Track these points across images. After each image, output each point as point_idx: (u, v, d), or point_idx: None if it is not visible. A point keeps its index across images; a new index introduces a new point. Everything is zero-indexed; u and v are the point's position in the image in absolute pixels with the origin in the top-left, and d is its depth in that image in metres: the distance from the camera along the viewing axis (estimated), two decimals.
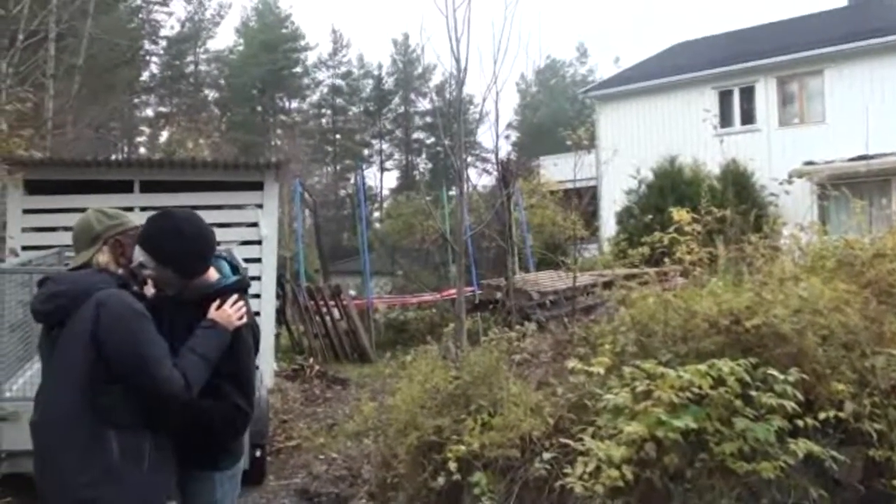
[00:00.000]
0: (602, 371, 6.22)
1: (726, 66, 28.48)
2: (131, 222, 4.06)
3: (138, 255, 3.90)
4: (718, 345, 5.77)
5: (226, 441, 4.12)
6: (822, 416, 5.08)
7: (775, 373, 5.11)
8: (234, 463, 4.24)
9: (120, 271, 3.93)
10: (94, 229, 3.97)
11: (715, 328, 5.94)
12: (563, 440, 5.95)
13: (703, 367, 5.13)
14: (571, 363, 6.55)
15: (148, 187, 11.46)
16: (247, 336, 4.05)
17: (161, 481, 3.79)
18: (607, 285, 10.28)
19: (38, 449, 3.81)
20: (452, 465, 6.21)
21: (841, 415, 5.11)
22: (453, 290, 19.47)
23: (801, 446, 4.85)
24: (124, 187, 11.42)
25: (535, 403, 6.50)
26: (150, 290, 4.05)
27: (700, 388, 5.03)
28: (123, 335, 3.63)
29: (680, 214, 8.29)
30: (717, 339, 5.81)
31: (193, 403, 3.75)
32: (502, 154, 16.23)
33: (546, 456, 5.93)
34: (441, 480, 6.34)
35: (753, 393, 5.03)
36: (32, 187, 11.07)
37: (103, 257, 3.94)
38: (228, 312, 3.93)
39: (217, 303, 3.94)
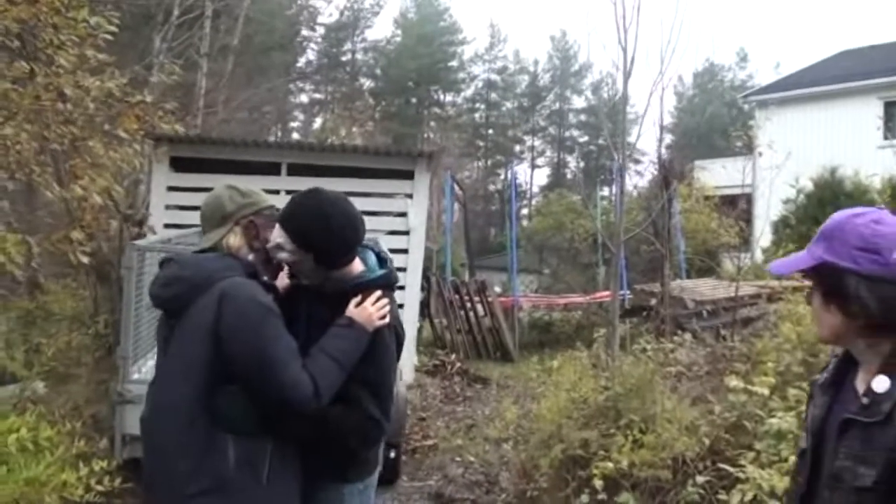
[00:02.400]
0: (765, 391, 5.84)
1: (894, 76, 27.24)
2: (266, 201, 3.64)
3: (277, 235, 3.47)
4: None
5: (357, 452, 3.68)
6: None
7: None
8: (367, 475, 3.80)
9: (251, 257, 3.52)
10: (225, 208, 3.55)
11: None
12: (718, 464, 5.59)
13: None
14: (732, 381, 6.17)
15: (296, 171, 11.36)
16: (389, 338, 3.58)
17: (281, 496, 3.39)
18: (771, 297, 9.81)
19: (147, 448, 3.50)
20: (598, 483, 5.85)
21: None
22: (603, 293, 19.09)
23: None
24: (272, 169, 11.36)
25: (690, 421, 6.12)
26: (283, 279, 3.69)
27: None
28: (247, 333, 3.21)
29: None
30: None
31: (322, 412, 3.33)
32: (662, 155, 15.71)
33: (699, 479, 5.59)
34: (585, 499, 6.01)
35: None
36: (178, 164, 11.08)
37: (235, 240, 3.52)
38: (370, 311, 3.47)
39: (358, 299, 3.49)
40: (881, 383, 2.16)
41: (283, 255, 3.49)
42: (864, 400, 2.19)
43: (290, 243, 3.45)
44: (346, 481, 3.70)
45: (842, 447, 2.21)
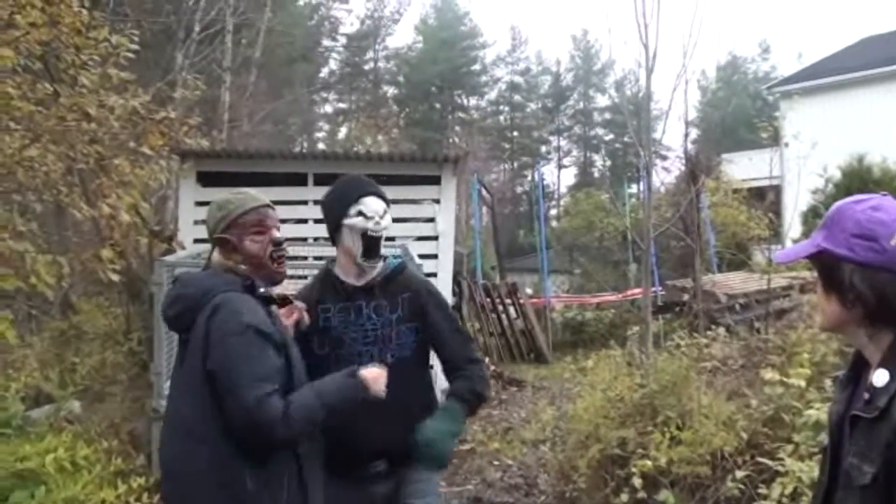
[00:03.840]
0: (802, 383, 5.78)
1: None
2: (242, 207, 3.40)
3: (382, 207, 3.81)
4: None
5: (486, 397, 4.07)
6: None
7: None
8: None
9: (242, 267, 3.37)
10: (208, 225, 3.47)
11: None
12: (757, 457, 5.55)
13: None
14: (768, 373, 6.12)
15: (323, 180, 11.30)
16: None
17: None
18: (804, 288, 9.73)
19: (162, 470, 3.44)
20: (637, 482, 5.82)
21: None
22: (636, 290, 18.99)
23: None
24: (299, 180, 11.39)
25: (727, 416, 6.07)
26: (282, 284, 3.59)
27: None
28: (221, 348, 3.12)
29: None
30: None
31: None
32: (688, 149, 15.66)
33: (739, 474, 5.55)
34: (625, 497, 5.96)
35: None
36: (205, 179, 11.12)
37: (216, 257, 3.43)
38: (378, 377, 3.36)
39: (374, 370, 3.39)
40: (880, 377, 2.10)
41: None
42: (866, 395, 2.13)
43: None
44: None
45: (852, 445, 2.15)
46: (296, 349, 3.40)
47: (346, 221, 3.79)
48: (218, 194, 10.15)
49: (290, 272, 9.45)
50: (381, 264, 3.92)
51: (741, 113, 60.37)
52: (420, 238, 11.33)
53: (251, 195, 3.47)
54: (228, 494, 3.12)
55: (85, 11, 7.73)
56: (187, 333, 3.26)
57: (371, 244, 3.78)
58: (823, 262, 2.23)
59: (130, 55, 8.27)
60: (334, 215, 3.84)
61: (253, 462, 3.15)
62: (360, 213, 3.77)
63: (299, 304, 3.69)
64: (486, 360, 15.22)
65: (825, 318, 2.31)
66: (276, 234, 3.42)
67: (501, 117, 74.04)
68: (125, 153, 8.40)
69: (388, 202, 3.94)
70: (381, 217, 3.81)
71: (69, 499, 5.95)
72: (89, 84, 7.71)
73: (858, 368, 2.29)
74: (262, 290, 3.35)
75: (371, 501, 3.86)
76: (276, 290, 3.54)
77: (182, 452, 3.23)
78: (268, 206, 3.46)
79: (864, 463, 2.07)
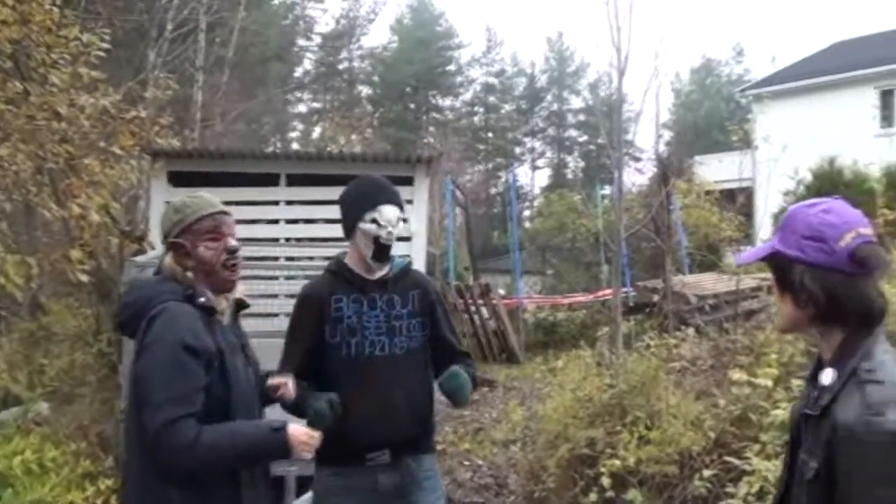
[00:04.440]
0: (769, 383, 5.84)
1: (889, 65, 27.30)
2: (198, 212, 3.30)
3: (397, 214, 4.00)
4: None
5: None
6: None
7: None
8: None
9: (189, 275, 3.25)
10: (163, 227, 3.36)
11: (891, 340, 5.46)
12: (725, 457, 5.59)
13: None
14: (735, 374, 6.17)
15: (295, 181, 11.33)
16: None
17: None
18: (772, 289, 9.78)
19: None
20: (606, 481, 5.86)
21: None
22: (606, 291, 19.07)
23: None
24: (271, 180, 11.35)
25: (695, 416, 6.12)
26: (239, 288, 3.50)
27: None
28: (146, 358, 3.03)
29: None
30: None
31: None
32: (660, 151, 15.73)
33: (706, 473, 5.59)
34: (593, 497, 6.01)
35: None
36: (177, 179, 11.03)
37: (168, 261, 3.31)
38: (305, 440, 3.20)
39: (303, 432, 3.23)
40: (826, 376, 2.17)
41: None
42: (815, 393, 2.20)
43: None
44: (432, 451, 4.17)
45: (803, 441, 2.23)
46: (240, 357, 3.32)
47: (361, 226, 3.94)
48: (189, 194, 10.11)
49: (261, 273, 9.39)
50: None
51: (715, 115, 60.80)
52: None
53: (207, 200, 3.38)
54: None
55: (56, 9, 7.73)
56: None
57: (382, 249, 3.96)
58: (777, 264, 2.30)
59: (102, 54, 8.26)
60: (350, 217, 3.99)
61: (180, 486, 3.07)
62: (375, 221, 3.92)
63: (282, 378, 3.59)
64: None
65: (782, 319, 2.38)
66: (232, 242, 3.33)
67: (476, 118, 74.04)
68: (95, 153, 8.38)
69: (402, 207, 4.12)
70: (394, 225, 3.98)
71: (37, 501, 5.92)
72: (60, 83, 7.70)
73: (819, 367, 2.34)
74: (202, 299, 3.23)
75: (375, 490, 3.89)
76: (236, 295, 3.46)
77: (129, 460, 3.20)
78: (224, 212, 3.38)
79: (810, 459, 2.14)
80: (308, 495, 4.88)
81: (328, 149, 24.35)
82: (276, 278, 9.44)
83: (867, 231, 2.18)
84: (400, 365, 3.88)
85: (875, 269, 2.16)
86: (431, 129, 65.68)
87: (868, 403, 2.01)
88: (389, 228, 3.94)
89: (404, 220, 4.15)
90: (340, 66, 65.05)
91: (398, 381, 3.85)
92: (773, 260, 2.30)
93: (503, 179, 63.93)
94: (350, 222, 3.99)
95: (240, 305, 3.50)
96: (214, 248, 3.28)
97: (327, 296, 3.95)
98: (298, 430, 3.19)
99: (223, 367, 3.17)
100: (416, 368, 4.01)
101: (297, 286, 9.72)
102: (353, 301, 3.94)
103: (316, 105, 61.18)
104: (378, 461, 3.88)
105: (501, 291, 22.07)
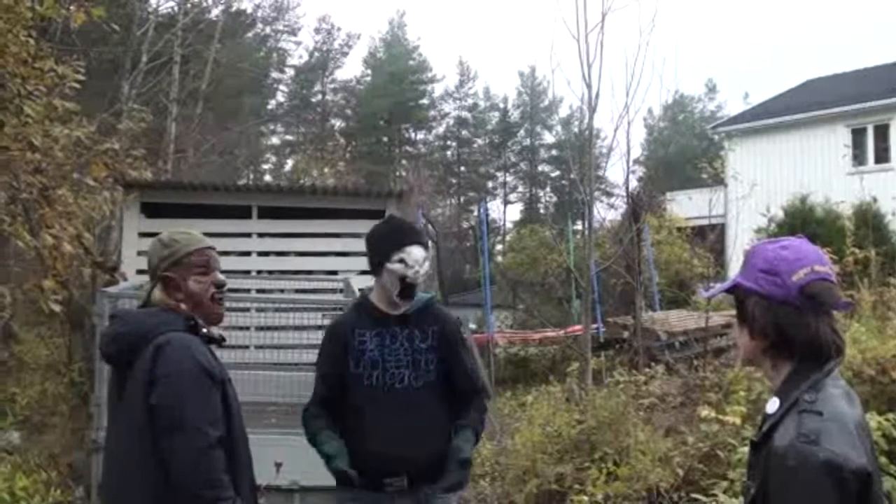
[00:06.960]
0: (737, 420, 5.91)
1: (860, 104, 27.56)
2: (188, 247, 3.40)
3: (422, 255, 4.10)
4: (863, 396, 5.35)
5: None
6: None
7: None
8: None
9: (183, 306, 3.31)
10: (151, 262, 3.41)
11: (858, 378, 5.57)
12: (692, 494, 5.63)
13: None
14: (704, 411, 6.23)
15: (267, 213, 11.36)
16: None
17: None
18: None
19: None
20: None
21: None
22: (577, 327, 19.11)
23: None
24: (243, 213, 11.36)
25: (663, 452, 6.16)
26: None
27: None
28: (172, 385, 3.07)
29: None
30: (861, 390, 5.41)
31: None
32: (631, 187, 15.82)
33: None
34: None
35: None
36: (150, 210, 11.04)
37: (159, 294, 3.35)
38: None
39: None
40: (772, 405, 2.25)
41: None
42: (760, 421, 2.31)
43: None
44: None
45: (751, 467, 2.32)
46: (232, 388, 3.35)
47: (389, 265, 4.10)
48: (162, 225, 10.16)
49: (233, 305, 9.40)
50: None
51: (688, 151, 61.13)
52: (363, 272, 11.31)
53: (196, 236, 3.49)
54: None
55: (32, 41, 7.73)
56: (126, 370, 3.21)
57: (407, 288, 4.11)
58: (737, 296, 2.39)
59: (76, 85, 8.27)
60: (378, 256, 4.17)
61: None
62: (402, 261, 4.08)
63: None
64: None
65: (741, 351, 2.46)
66: (220, 276, 3.45)
67: (448, 152, 74.08)
68: (69, 183, 8.38)
69: (427, 248, 4.32)
70: (421, 266, 4.13)
71: None
72: (34, 114, 7.70)
73: None
74: (205, 329, 3.33)
75: None
76: (215, 330, 3.53)
77: (125, 489, 3.19)
78: (211, 247, 3.48)
79: (752, 483, 2.26)
80: None
81: (301, 181, 24.37)
82: (248, 310, 9.45)
83: (822, 269, 2.26)
84: (418, 397, 4.10)
85: (825, 306, 2.23)
86: (404, 162, 65.74)
87: (802, 432, 2.08)
88: (416, 268, 4.09)
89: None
90: (314, 99, 65.17)
91: (417, 411, 4.07)
92: (734, 292, 2.39)
93: (475, 213, 64.00)
94: (377, 261, 4.16)
95: (220, 340, 3.53)
96: (204, 282, 3.38)
97: (351, 330, 4.17)
98: None
99: (226, 395, 3.26)
100: (434, 400, 4.19)
101: (269, 319, 9.77)
102: (375, 335, 4.15)
103: (289, 137, 61.19)
104: (395, 486, 4.04)
105: (472, 326, 22.08)
